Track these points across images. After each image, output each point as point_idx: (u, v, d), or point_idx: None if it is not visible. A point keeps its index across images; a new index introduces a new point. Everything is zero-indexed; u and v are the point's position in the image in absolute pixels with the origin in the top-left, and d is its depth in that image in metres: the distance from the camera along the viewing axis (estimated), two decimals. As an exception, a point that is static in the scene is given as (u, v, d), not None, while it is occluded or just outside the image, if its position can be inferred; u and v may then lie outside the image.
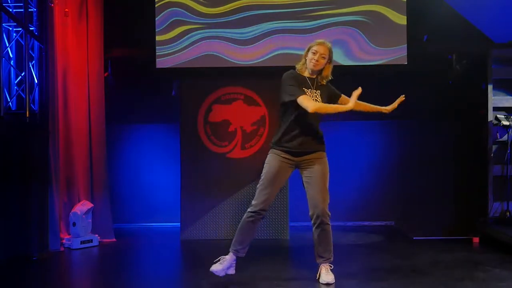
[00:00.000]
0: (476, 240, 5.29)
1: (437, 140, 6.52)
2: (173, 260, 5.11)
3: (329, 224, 3.76)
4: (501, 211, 5.54)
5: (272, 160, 3.77)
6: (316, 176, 3.74)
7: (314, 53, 3.73)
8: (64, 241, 5.28)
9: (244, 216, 3.77)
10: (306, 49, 3.81)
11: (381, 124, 6.68)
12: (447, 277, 3.87)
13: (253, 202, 3.74)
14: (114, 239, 5.68)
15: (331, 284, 3.69)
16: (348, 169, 6.60)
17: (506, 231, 4.84)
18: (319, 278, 3.78)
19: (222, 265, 3.72)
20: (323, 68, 3.78)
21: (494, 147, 5.60)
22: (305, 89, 3.72)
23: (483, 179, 5.67)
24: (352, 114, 6.44)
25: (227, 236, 5.64)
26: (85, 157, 5.60)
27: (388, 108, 4.05)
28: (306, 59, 3.78)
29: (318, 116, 3.78)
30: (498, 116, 5.48)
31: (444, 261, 4.44)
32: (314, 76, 3.82)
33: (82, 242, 5.27)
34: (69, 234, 5.36)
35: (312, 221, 3.76)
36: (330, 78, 3.85)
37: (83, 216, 5.30)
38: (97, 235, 5.48)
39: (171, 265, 4.80)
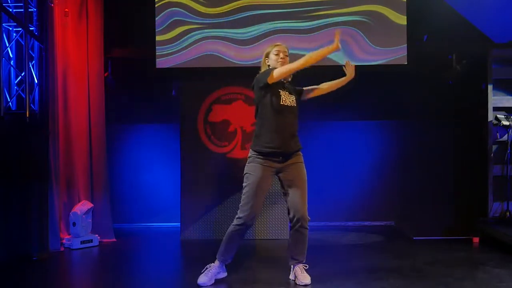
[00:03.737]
0: (476, 240, 5.29)
1: (437, 140, 6.52)
2: (173, 260, 5.11)
3: (307, 228, 3.78)
4: (501, 211, 5.54)
5: (254, 170, 3.73)
6: (297, 180, 3.75)
7: (277, 54, 3.79)
8: (64, 241, 5.28)
9: (230, 228, 3.76)
10: (264, 55, 3.86)
11: (381, 124, 6.68)
12: (447, 277, 3.88)
13: (239, 214, 3.71)
14: (114, 239, 5.67)
15: (309, 284, 3.70)
16: (348, 169, 6.61)
17: (506, 231, 4.84)
18: (295, 280, 3.79)
19: (208, 276, 3.76)
20: None
21: (494, 147, 5.60)
22: (280, 91, 3.74)
23: (483, 179, 5.66)
24: (352, 114, 6.51)
25: (227, 236, 5.64)
26: (85, 157, 5.60)
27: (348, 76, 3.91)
28: (269, 65, 3.82)
29: (296, 111, 3.79)
30: (498, 116, 5.47)
31: (444, 261, 4.44)
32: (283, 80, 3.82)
33: (82, 242, 5.27)
34: (69, 234, 5.36)
35: (292, 224, 3.79)
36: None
37: (83, 216, 5.30)
38: (97, 235, 5.48)
39: (171, 265, 4.80)
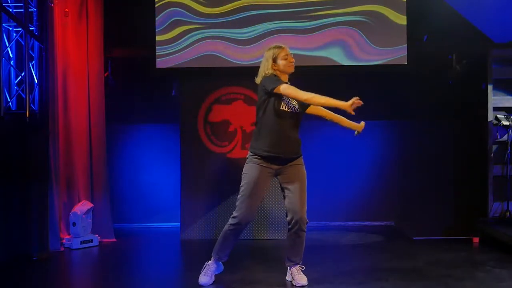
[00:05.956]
0: (476, 240, 5.30)
1: (437, 140, 6.52)
2: (173, 260, 5.12)
3: (305, 231, 3.72)
4: (501, 211, 5.54)
5: (251, 170, 3.69)
6: (296, 182, 3.70)
7: (286, 57, 3.69)
8: (64, 241, 5.28)
9: (226, 227, 3.73)
10: (271, 59, 3.69)
11: (381, 124, 6.67)
12: (447, 277, 3.88)
13: (235, 213, 3.68)
14: (114, 239, 5.67)
15: (306, 285, 3.69)
16: (348, 169, 6.60)
17: (506, 231, 4.84)
18: (291, 281, 3.77)
19: (208, 274, 3.77)
20: None
21: (494, 147, 5.60)
22: (283, 97, 3.64)
23: (483, 179, 5.66)
24: (352, 114, 6.49)
25: (227, 236, 5.64)
26: (85, 157, 5.60)
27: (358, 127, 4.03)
28: (276, 69, 3.69)
29: (297, 116, 3.72)
30: (498, 116, 5.47)
31: (444, 261, 4.44)
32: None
33: (82, 242, 5.27)
34: (69, 234, 5.36)
35: (290, 226, 3.71)
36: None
37: (83, 216, 5.30)
38: (97, 235, 5.48)
39: (171, 265, 4.81)
